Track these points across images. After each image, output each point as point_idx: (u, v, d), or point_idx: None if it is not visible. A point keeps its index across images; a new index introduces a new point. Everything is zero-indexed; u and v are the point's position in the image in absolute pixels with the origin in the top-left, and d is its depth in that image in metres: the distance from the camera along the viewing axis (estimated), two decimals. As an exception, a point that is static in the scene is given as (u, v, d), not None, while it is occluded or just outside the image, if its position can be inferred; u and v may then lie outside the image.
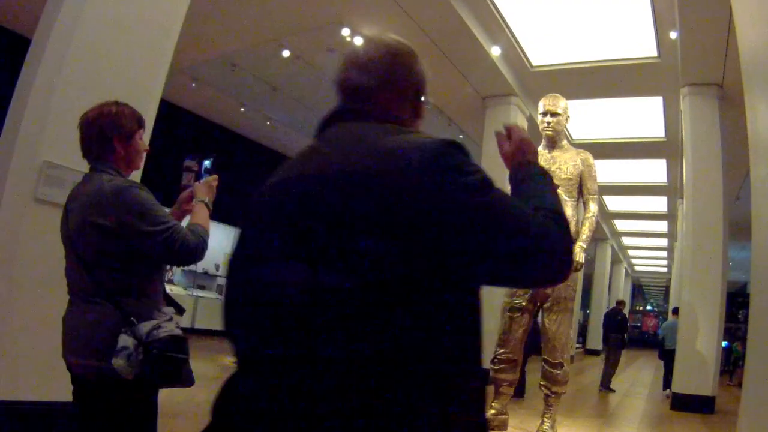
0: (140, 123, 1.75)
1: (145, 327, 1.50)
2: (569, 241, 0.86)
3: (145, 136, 1.81)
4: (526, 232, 0.79)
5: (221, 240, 14.00)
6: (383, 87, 0.97)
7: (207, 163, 2.00)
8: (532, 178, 0.95)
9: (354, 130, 0.90)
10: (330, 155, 0.86)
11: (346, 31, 7.44)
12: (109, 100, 1.74)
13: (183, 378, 1.58)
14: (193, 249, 1.61)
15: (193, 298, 9.88)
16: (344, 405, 0.72)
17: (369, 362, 0.74)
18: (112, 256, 1.57)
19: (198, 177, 1.96)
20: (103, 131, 1.65)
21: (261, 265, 0.83)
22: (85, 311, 1.58)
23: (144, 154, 1.81)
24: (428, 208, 0.75)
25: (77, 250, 1.60)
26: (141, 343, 1.48)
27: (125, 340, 1.47)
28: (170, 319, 1.61)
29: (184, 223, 1.77)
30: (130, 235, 1.55)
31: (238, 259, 0.91)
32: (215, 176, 1.92)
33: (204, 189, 1.86)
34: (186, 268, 11.80)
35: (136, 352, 1.46)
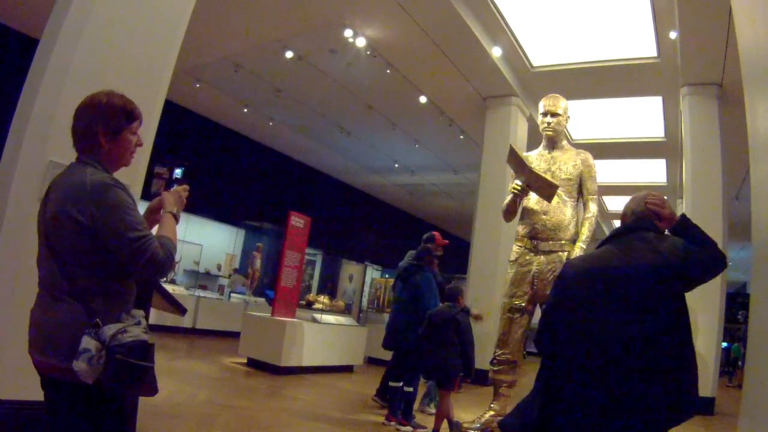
0: (129, 117, 1.65)
1: (109, 330, 1.42)
2: (722, 254, 1.94)
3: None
4: (716, 259, 1.94)
5: (222, 240, 14.03)
6: (648, 216, 2.12)
7: (178, 171, 1.91)
8: (692, 227, 2.03)
9: (645, 236, 2.02)
10: (641, 253, 1.95)
11: (348, 32, 7.47)
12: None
13: (146, 386, 1.48)
14: (160, 265, 1.52)
15: (195, 298, 9.89)
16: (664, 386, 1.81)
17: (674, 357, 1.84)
18: (85, 252, 1.49)
19: (168, 185, 1.87)
20: (90, 124, 1.60)
21: (603, 317, 1.90)
22: (52, 308, 1.51)
23: (135, 150, 1.73)
24: (688, 273, 1.93)
25: (50, 242, 1.52)
26: (104, 347, 1.39)
27: (88, 342, 1.40)
28: (138, 323, 1.51)
29: (154, 231, 1.68)
30: (103, 234, 1.48)
31: (569, 312, 2.02)
32: (185, 186, 1.80)
33: (172, 199, 1.73)
34: (188, 268, 11.83)
35: (98, 356, 1.39)
